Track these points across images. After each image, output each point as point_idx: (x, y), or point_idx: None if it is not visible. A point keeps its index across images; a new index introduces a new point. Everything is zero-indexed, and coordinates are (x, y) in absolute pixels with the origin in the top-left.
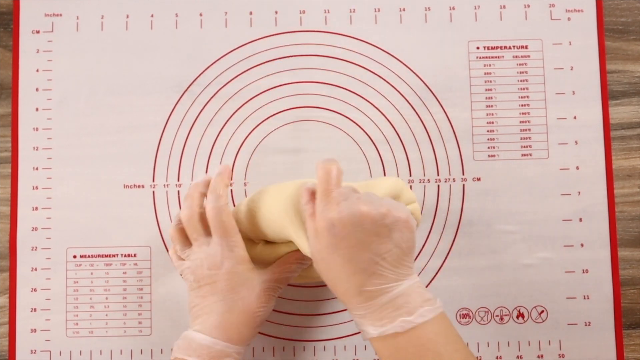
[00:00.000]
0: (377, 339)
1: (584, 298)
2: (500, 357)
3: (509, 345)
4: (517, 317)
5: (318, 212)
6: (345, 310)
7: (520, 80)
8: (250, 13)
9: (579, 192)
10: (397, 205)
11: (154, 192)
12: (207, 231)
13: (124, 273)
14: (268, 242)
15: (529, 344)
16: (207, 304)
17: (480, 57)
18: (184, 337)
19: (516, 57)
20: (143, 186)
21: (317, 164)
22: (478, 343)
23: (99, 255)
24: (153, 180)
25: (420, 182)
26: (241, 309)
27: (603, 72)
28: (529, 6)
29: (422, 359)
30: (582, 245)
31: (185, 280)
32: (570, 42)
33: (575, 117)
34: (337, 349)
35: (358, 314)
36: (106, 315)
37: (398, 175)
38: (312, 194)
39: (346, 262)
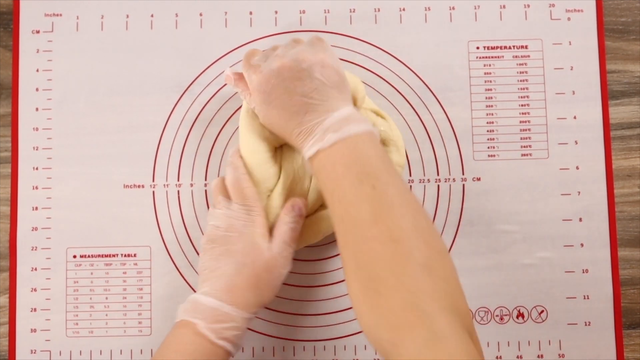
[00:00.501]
0: (311, 160)
1: (584, 298)
2: (500, 357)
3: (509, 345)
4: (517, 317)
5: (247, 81)
6: (345, 310)
7: (520, 80)
8: (250, 13)
9: (579, 192)
10: (312, 48)
11: (154, 192)
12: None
13: (124, 273)
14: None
15: (529, 344)
16: (218, 266)
17: (480, 57)
18: (190, 300)
19: (516, 57)
20: (143, 186)
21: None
22: None
23: (99, 255)
24: (153, 180)
25: (420, 182)
26: (250, 273)
27: (603, 72)
28: (529, 6)
29: (335, 171)
30: (582, 245)
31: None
32: (570, 42)
33: (575, 117)
34: (337, 349)
35: (305, 151)
36: (106, 315)
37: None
38: (238, 75)
39: (281, 110)
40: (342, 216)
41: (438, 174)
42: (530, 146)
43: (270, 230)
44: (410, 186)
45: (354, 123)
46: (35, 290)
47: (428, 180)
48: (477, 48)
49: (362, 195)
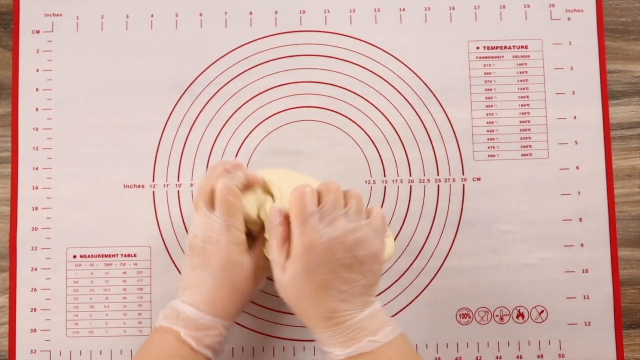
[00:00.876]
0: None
1: (584, 298)
2: (500, 357)
3: (508, 345)
4: (517, 317)
5: (295, 235)
6: None
7: (520, 80)
8: (250, 13)
9: (579, 192)
10: (373, 234)
11: (154, 192)
12: (213, 205)
13: (124, 273)
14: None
15: (529, 344)
16: (197, 278)
17: (480, 57)
18: (171, 306)
19: (516, 57)
20: (143, 186)
21: (291, 192)
22: (478, 343)
23: (99, 255)
24: (153, 180)
25: (420, 182)
26: (230, 287)
27: (603, 72)
28: (529, 6)
29: None
30: (582, 245)
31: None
32: (570, 42)
33: (575, 117)
34: None
35: (325, 337)
36: (106, 315)
37: (398, 175)
38: (285, 217)
39: (318, 288)
40: None
41: (438, 174)
42: (530, 146)
43: (249, 236)
44: (410, 186)
45: (389, 325)
46: (35, 290)
47: (428, 180)
48: (477, 48)
49: None
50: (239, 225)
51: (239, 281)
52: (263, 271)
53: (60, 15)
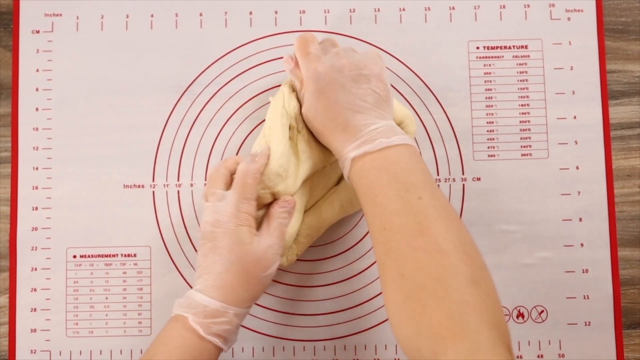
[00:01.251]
0: (354, 161)
1: (584, 298)
2: None
3: None
4: (517, 317)
5: (303, 67)
6: (344, 310)
7: (520, 80)
8: (250, 13)
9: (579, 192)
10: (372, 60)
11: (153, 192)
12: (228, 187)
13: (124, 273)
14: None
15: (529, 344)
16: (208, 264)
17: (480, 57)
18: (186, 295)
19: (516, 57)
20: (143, 186)
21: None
22: None
23: (99, 255)
24: (153, 180)
25: None
26: (239, 269)
27: (603, 72)
28: (529, 6)
29: (380, 178)
30: (582, 245)
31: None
32: (570, 42)
33: (575, 117)
34: (337, 349)
35: (341, 145)
36: (106, 315)
37: None
38: (294, 60)
39: (332, 103)
40: (384, 224)
41: (438, 174)
42: (530, 146)
43: (259, 225)
44: None
45: (401, 134)
46: (35, 290)
47: None
48: (477, 48)
49: (408, 205)
50: (251, 210)
51: (248, 263)
52: (274, 255)
53: (60, 15)
